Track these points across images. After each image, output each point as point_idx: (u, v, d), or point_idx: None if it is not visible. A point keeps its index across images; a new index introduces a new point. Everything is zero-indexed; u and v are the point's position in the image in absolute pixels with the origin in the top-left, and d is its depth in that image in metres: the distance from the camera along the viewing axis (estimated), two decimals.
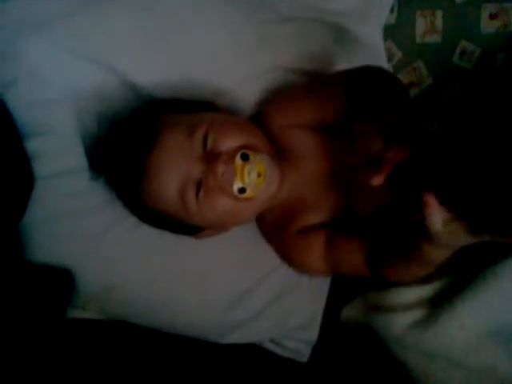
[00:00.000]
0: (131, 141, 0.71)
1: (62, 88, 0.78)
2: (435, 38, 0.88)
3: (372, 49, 0.85)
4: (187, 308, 0.84)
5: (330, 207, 0.75)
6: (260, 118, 0.78)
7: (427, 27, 0.88)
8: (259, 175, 0.68)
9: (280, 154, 0.74)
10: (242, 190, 0.67)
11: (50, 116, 0.79)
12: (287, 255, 0.79)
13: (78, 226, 0.80)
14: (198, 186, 0.68)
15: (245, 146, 0.68)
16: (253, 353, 0.87)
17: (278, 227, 0.77)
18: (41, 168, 0.79)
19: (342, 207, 0.74)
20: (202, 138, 0.68)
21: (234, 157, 0.67)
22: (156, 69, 0.78)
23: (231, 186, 0.67)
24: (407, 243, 0.63)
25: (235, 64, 0.80)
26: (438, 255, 0.61)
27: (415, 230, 0.59)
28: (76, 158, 0.78)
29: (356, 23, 0.83)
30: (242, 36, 0.79)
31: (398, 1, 0.88)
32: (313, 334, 0.89)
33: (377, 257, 0.71)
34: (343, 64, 0.83)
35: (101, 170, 0.77)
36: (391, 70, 0.88)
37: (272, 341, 0.89)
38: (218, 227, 0.77)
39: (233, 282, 0.85)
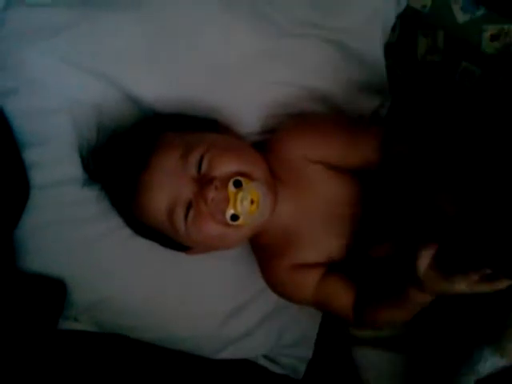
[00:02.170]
0: (127, 156, 0.71)
1: (62, 98, 0.78)
2: (436, 57, 0.89)
3: (373, 66, 0.84)
4: (181, 323, 0.84)
5: (328, 249, 0.73)
6: (272, 140, 0.76)
7: (428, 46, 0.88)
8: (252, 202, 0.66)
9: (284, 182, 0.72)
10: (235, 217, 0.66)
11: (48, 126, 0.79)
12: (276, 286, 0.76)
13: (72, 235, 0.80)
14: (188, 206, 0.67)
15: (239, 173, 0.67)
16: (247, 369, 0.87)
17: (270, 255, 0.75)
18: (37, 177, 0.80)
19: (342, 252, 0.73)
20: (198, 160, 0.67)
21: (227, 183, 0.65)
22: (157, 82, 0.78)
23: (223, 212, 0.65)
24: (393, 286, 0.65)
25: (237, 78, 0.80)
26: (421, 299, 0.63)
27: (403, 273, 0.61)
28: (72, 168, 0.78)
29: (358, 40, 0.83)
30: (245, 50, 0.79)
31: (400, 19, 0.88)
32: (307, 351, 0.89)
33: (362, 301, 0.70)
34: (345, 80, 0.83)
35: (96, 178, 0.76)
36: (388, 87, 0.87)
37: (266, 357, 0.89)
38: (205, 249, 0.76)
39: (227, 298, 0.85)
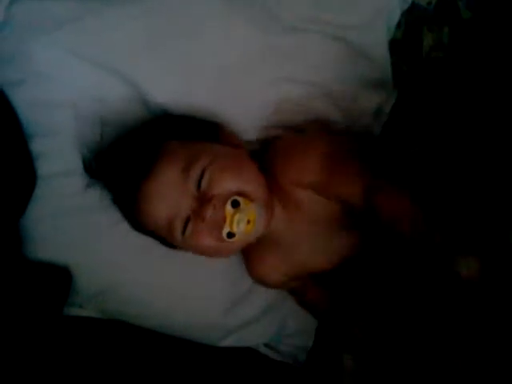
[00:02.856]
0: (130, 162, 0.72)
1: (67, 91, 0.79)
2: (441, 54, 0.89)
3: (378, 62, 0.85)
4: (183, 311, 0.85)
5: (309, 265, 0.77)
6: (267, 158, 0.76)
7: (433, 43, 0.89)
8: (248, 222, 0.68)
9: (276, 198, 0.74)
10: (230, 235, 0.68)
11: (53, 118, 0.80)
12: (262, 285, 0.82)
13: (78, 224, 0.82)
14: (187, 221, 0.69)
15: (238, 193, 0.68)
16: (248, 357, 0.88)
17: (258, 262, 0.80)
18: (43, 167, 0.80)
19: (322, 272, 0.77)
20: (198, 175, 0.68)
21: (225, 202, 0.67)
22: (160, 76, 0.79)
23: (219, 230, 0.67)
24: None
25: (239, 75, 0.80)
26: None
27: None
28: (78, 159, 0.79)
29: (362, 37, 0.83)
30: (247, 45, 0.79)
31: (405, 16, 0.88)
32: (308, 340, 0.91)
33: None
34: (349, 77, 0.84)
35: (98, 178, 0.78)
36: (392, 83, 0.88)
37: (267, 345, 0.91)
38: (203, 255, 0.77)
39: (230, 286, 0.86)
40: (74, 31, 0.76)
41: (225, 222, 0.67)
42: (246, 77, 0.80)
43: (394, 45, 0.87)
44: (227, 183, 0.68)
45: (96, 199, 0.80)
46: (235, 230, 0.67)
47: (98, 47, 0.77)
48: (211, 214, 0.66)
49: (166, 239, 0.74)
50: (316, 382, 0.87)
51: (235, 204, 0.67)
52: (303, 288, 0.82)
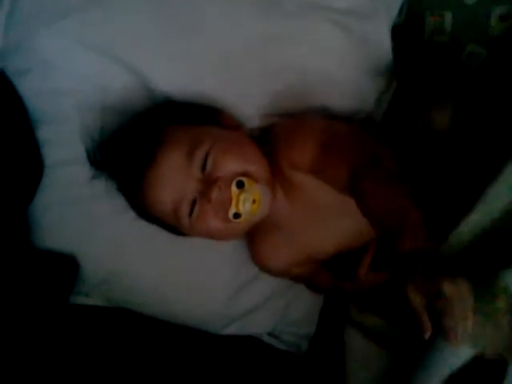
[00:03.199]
0: (133, 150, 0.73)
1: (73, 80, 0.80)
2: (444, 39, 0.88)
3: (379, 49, 0.84)
4: (188, 298, 0.86)
5: (313, 248, 0.78)
6: (268, 142, 0.77)
7: (435, 27, 0.88)
8: (254, 201, 0.69)
9: (278, 180, 0.75)
10: (237, 216, 0.69)
11: (59, 106, 0.81)
12: (266, 271, 0.83)
13: (84, 213, 0.83)
14: (193, 204, 0.70)
15: (242, 174, 0.69)
16: (251, 344, 0.89)
17: (262, 247, 0.80)
18: (49, 155, 0.82)
19: (327, 254, 0.78)
20: (202, 159, 0.69)
21: (230, 183, 0.68)
22: (165, 65, 0.79)
23: (226, 211, 0.68)
24: None
25: (242, 62, 0.80)
26: None
27: None
28: (79, 148, 0.80)
29: (364, 22, 0.82)
30: (250, 31, 0.80)
31: (408, 1, 0.87)
32: (310, 328, 0.90)
33: None
34: (350, 63, 0.83)
35: (102, 169, 0.78)
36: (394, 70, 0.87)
37: (270, 334, 0.91)
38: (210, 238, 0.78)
39: (233, 274, 0.86)
40: (79, 21, 0.77)
41: (230, 202, 0.68)
42: (247, 63, 0.81)
43: (395, 31, 0.87)
44: (231, 164, 0.69)
45: (102, 188, 0.81)
46: (241, 209, 0.68)
47: (102, 37, 0.78)
48: (217, 195, 0.67)
49: (172, 225, 0.74)
50: (318, 371, 0.87)
51: (240, 184, 0.68)
52: (309, 275, 0.82)
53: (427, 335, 0.53)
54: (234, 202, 0.68)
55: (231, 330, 0.88)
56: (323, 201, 0.75)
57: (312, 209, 0.75)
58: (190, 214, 0.70)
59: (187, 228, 0.72)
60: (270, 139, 0.78)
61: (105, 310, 0.87)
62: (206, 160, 0.69)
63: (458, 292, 0.51)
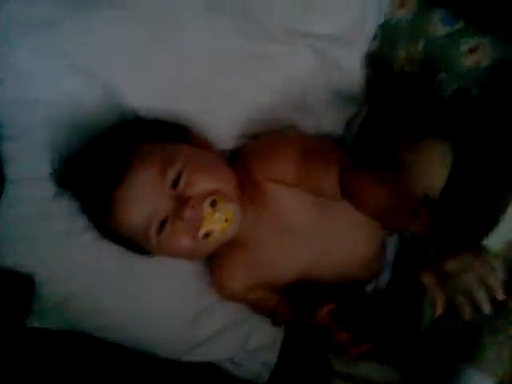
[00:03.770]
0: (102, 167, 0.71)
1: (45, 92, 0.78)
2: (415, 68, 0.89)
3: (351, 74, 0.85)
4: (147, 324, 0.84)
5: (283, 272, 0.77)
6: (239, 157, 0.77)
7: (408, 57, 0.89)
8: (226, 220, 0.69)
9: (247, 197, 0.74)
10: (207, 235, 0.69)
11: (27, 119, 0.80)
12: (224, 297, 0.82)
13: (43, 232, 0.81)
14: (163, 222, 0.69)
15: (215, 192, 0.68)
16: (211, 371, 0.87)
17: (223, 268, 0.79)
18: (12, 171, 0.80)
19: (297, 275, 0.76)
20: (175, 177, 0.68)
21: (202, 202, 0.67)
22: (140, 81, 0.79)
23: (196, 230, 0.68)
24: None
25: (220, 79, 0.80)
26: None
27: None
28: (45, 163, 0.78)
29: (338, 48, 0.83)
30: (230, 51, 0.80)
31: (381, 30, 0.88)
32: (272, 357, 0.89)
33: None
34: (322, 87, 0.84)
35: (67, 186, 0.76)
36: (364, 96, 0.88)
37: (231, 361, 0.89)
38: (175, 257, 0.77)
39: (194, 299, 0.85)
40: (54, 33, 0.76)
41: (202, 221, 0.67)
42: (222, 84, 0.80)
43: (369, 57, 0.87)
44: (204, 184, 0.69)
45: (63, 207, 0.79)
46: (213, 229, 0.68)
47: (76, 50, 0.77)
48: (190, 214, 0.66)
49: (138, 244, 0.73)
50: None
51: (213, 203, 0.68)
52: (267, 302, 0.80)
53: (438, 313, 0.54)
54: (205, 221, 0.68)
55: (191, 356, 0.86)
56: (295, 220, 0.74)
57: (279, 228, 0.74)
58: (160, 232, 0.69)
59: (156, 247, 0.71)
60: (241, 157, 0.77)
61: (60, 333, 0.84)
62: (178, 178, 0.68)
63: (460, 266, 0.52)
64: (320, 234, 0.74)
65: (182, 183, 0.68)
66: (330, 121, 0.85)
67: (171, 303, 0.84)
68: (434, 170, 0.71)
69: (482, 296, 0.53)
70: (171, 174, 0.68)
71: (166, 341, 0.86)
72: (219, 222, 0.68)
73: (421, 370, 0.68)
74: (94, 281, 0.82)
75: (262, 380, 0.88)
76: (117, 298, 0.83)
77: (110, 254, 0.81)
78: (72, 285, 0.82)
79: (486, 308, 0.53)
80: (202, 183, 0.69)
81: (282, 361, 0.87)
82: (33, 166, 0.80)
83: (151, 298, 0.84)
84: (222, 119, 0.81)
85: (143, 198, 0.68)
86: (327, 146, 0.77)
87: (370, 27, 0.85)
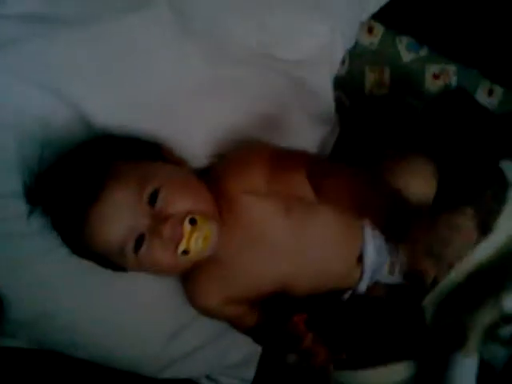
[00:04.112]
0: (75, 185, 0.70)
1: (9, 112, 0.77)
2: (383, 91, 0.93)
3: (321, 97, 0.88)
4: (122, 341, 0.83)
5: (258, 285, 0.76)
6: (212, 174, 0.78)
7: (376, 81, 0.93)
8: (205, 239, 0.69)
9: (222, 211, 0.74)
10: (185, 252, 0.68)
11: None
12: (201, 311, 0.80)
13: (12, 249, 0.79)
14: (138, 239, 0.68)
15: (193, 211, 0.69)
16: None
17: (197, 283, 0.78)
18: None
19: (274, 287, 0.77)
20: (152, 195, 0.68)
21: (182, 220, 0.67)
22: (107, 101, 0.78)
23: (175, 247, 0.67)
24: None
25: (187, 104, 0.81)
26: None
27: None
28: (15, 182, 0.77)
29: (307, 72, 0.85)
30: (197, 77, 0.81)
31: (349, 55, 0.92)
32: (249, 372, 0.89)
33: None
34: (293, 110, 0.86)
35: (38, 203, 0.75)
36: (338, 119, 0.91)
37: (208, 377, 0.89)
38: (152, 274, 0.77)
39: (170, 316, 0.84)
40: (18, 52, 0.75)
41: (181, 239, 0.67)
42: (193, 105, 0.81)
43: (338, 80, 0.91)
44: (183, 202, 0.69)
45: (32, 225, 0.77)
46: (192, 246, 0.68)
47: (42, 69, 0.76)
48: (169, 232, 0.66)
49: (113, 260, 0.72)
50: None
51: (193, 221, 0.68)
52: (245, 316, 0.79)
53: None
54: (185, 239, 0.67)
55: (168, 373, 0.85)
56: (268, 232, 0.74)
57: (252, 240, 0.74)
58: (136, 249, 0.68)
59: (133, 263, 0.70)
60: (213, 173, 0.78)
61: (32, 352, 0.82)
62: (156, 195, 0.68)
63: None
64: (295, 246, 0.75)
65: (160, 201, 0.68)
66: (302, 140, 0.86)
67: (146, 320, 0.83)
68: (420, 181, 0.74)
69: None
70: (148, 192, 0.68)
71: (142, 358, 0.84)
72: (198, 240, 0.68)
73: (424, 362, 0.73)
74: (65, 299, 0.80)
75: None
76: (89, 315, 0.81)
77: (81, 271, 0.79)
78: (42, 303, 0.80)
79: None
80: (182, 202, 0.69)
81: (259, 376, 0.88)
82: (1, 185, 0.78)
83: (125, 315, 0.83)
84: (193, 140, 0.82)
85: (119, 216, 0.68)
86: (296, 151, 0.79)
87: (338, 53, 0.89)
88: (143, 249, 0.68)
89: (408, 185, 0.72)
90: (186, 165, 0.79)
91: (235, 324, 0.80)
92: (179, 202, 0.69)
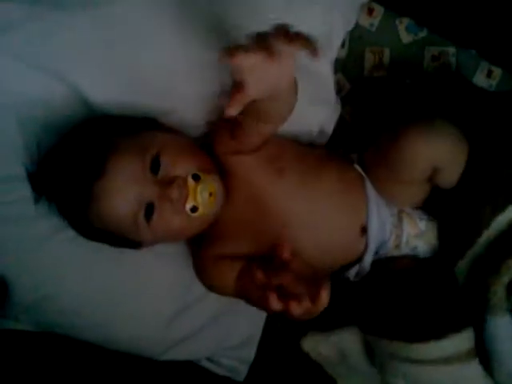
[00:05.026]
0: (79, 163, 0.70)
1: (10, 94, 0.77)
2: (382, 74, 0.93)
3: (321, 80, 0.87)
4: (124, 323, 0.84)
5: (252, 242, 0.76)
6: (208, 140, 0.80)
7: (375, 63, 0.93)
8: (210, 194, 0.70)
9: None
10: (194, 209, 0.70)
11: None
12: (200, 276, 0.79)
13: (15, 233, 0.79)
14: (149, 207, 0.69)
15: (195, 169, 0.70)
16: (189, 369, 0.87)
17: (199, 246, 0.79)
18: None
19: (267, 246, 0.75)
20: (151, 161, 0.69)
21: (187, 180, 0.69)
22: (107, 83, 0.78)
23: (184, 205, 0.69)
24: None
25: (187, 83, 0.81)
26: None
27: None
28: (17, 165, 0.77)
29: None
30: (195, 58, 0.80)
31: (349, 36, 0.92)
32: (250, 353, 0.90)
33: None
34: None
35: (43, 185, 0.75)
36: (339, 100, 0.91)
37: (209, 358, 0.90)
38: (164, 241, 0.78)
39: (171, 299, 0.85)
40: (18, 34, 0.75)
41: (188, 196, 0.69)
42: (193, 83, 0.81)
43: (338, 63, 0.91)
44: (185, 162, 0.71)
45: (37, 207, 0.77)
46: (199, 200, 0.69)
47: (43, 51, 0.76)
48: (177, 194, 0.68)
49: (126, 235, 0.72)
50: None
51: (196, 177, 0.70)
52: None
53: None
54: (191, 195, 0.69)
55: (169, 355, 0.86)
56: (266, 191, 0.76)
57: (250, 199, 0.76)
58: (148, 218, 0.69)
59: (146, 234, 0.71)
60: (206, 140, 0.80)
61: (36, 335, 0.82)
62: (156, 163, 0.69)
63: None
64: (294, 208, 0.76)
65: (162, 166, 0.70)
66: (303, 122, 0.86)
67: (147, 303, 0.84)
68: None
69: None
70: (150, 160, 0.69)
71: (143, 341, 0.85)
72: (205, 194, 0.70)
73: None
74: (66, 282, 0.81)
75: (241, 376, 0.90)
76: (92, 298, 0.82)
77: (81, 254, 0.80)
78: (46, 286, 0.80)
79: None
80: (183, 162, 0.71)
81: (260, 356, 0.89)
82: (2, 168, 0.78)
83: (127, 297, 0.83)
84: (190, 113, 0.82)
85: (126, 186, 0.68)
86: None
87: (338, 35, 0.89)
88: (155, 216, 0.69)
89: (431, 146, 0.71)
90: (183, 133, 0.80)
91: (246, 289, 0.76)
92: (180, 163, 0.71)
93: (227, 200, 0.76)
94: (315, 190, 0.77)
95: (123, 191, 0.69)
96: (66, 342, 0.83)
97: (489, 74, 0.90)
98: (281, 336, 0.89)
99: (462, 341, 0.73)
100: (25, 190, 0.77)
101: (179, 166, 0.70)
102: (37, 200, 0.77)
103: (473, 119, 0.80)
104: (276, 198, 0.76)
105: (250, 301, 0.70)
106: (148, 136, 0.73)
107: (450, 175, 0.75)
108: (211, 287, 0.79)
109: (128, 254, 0.79)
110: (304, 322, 0.63)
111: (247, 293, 0.70)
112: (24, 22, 0.75)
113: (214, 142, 0.79)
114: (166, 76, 0.80)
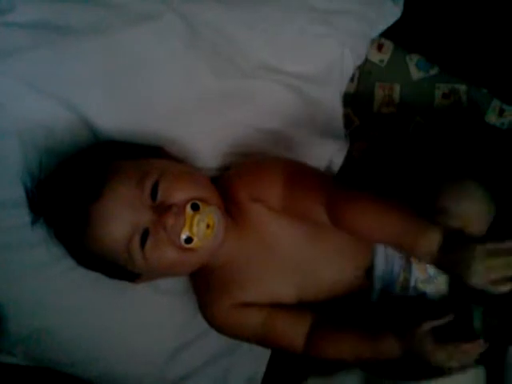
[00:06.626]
0: (77, 185, 0.69)
1: (15, 120, 0.76)
2: (391, 110, 0.92)
3: (330, 114, 0.87)
4: (121, 360, 0.82)
5: (272, 292, 0.74)
6: (222, 178, 0.77)
7: (384, 99, 0.92)
8: (208, 226, 0.67)
9: (233, 216, 0.73)
10: (189, 240, 0.67)
11: (2, 146, 0.77)
12: (217, 326, 0.76)
13: (12, 262, 0.78)
14: (144, 234, 0.67)
15: (196, 198, 0.68)
16: None
17: (211, 294, 0.75)
18: None
19: (291, 298, 0.75)
20: (152, 188, 0.67)
21: (184, 209, 0.66)
22: (113, 109, 0.78)
23: (179, 235, 0.66)
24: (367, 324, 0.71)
25: (195, 116, 0.80)
26: (391, 350, 0.68)
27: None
28: (17, 191, 0.76)
29: (315, 88, 0.85)
30: (205, 89, 0.80)
31: (359, 71, 0.92)
32: None
33: (317, 330, 0.73)
34: (301, 125, 0.85)
35: (40, 210, 0.74)
36: (348, 136, 0.90)
37: None
38: (157, 276, 0.75)
39: (171, 336, 0.83)
40: (27, 60, 0.75)
41: (184, 226, 0.65)
42: (202, 117, 0.81)
43: (347, 97, 0.90)
44: (184, 191, 0.68)
45: (32, 236, 0.76)
46: (194, 231, 0.66)
47: (51, 77, 0.76)
48: (173, 221, 0.65)
49: (121, 265, 0.70)
50: None
51: (195, 207, 0.67)
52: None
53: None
54: (187, 224, 0.66)
55: None
56: (281, 245, 0.73)
57: (262, 247, 0.73)
58: (143, 245, 0.67)
59: (140, 263, 0.68)
60: (224, 179, 0.76)
61: (29, 369, 0.80)
62: (156, 189, 0.67)
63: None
64: (303, 260, 0.73)
65: (160, 192, 0.67)
66: (311, 156, 0.84)
67: (148, 339, 0.82)
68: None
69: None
70: (148, 185, 0.67)
71: (141, 379, 0.83)
72: (202, 225, 0.66)
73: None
74: (64, 315, 0.79)
75: None
76: (89, 333, 0.80)
77: (81, 286, 0.78)
78: (40, 319, 0.79)
79: None
80: (182, 191, 0.68)
81: None
82: (5, 193, 0.77)
83: (126, 333, 0.81)
84: (200, 153, 0.81)
85: (122, 212, 0.66)
86: (314, 170, 0.78)
87: (348, 69, 0.88)
88: (148, 243, 0.66)
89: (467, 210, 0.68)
90: (188, 163, 0.78)
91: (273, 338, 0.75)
92: (179, 190, 0.68)
93: (239, 243, 0.73)
94: (326, 242, 0.74)
95: (118, 217, 0.66)
96: (60, 379, 0.80)
97: (500, 113, 0.89)
98: (282, 380, 0.85)
99: (466, 379, 0.70)
100: (23, 217, 0.76)
101: (178, 193, 0.67)
102: (33, 222, 0.75)
103: (486, 158, 0.78)
104: (290, 251, 0.73)
105: (275, 341, 0.74)
106: (150, 161, 0.71)
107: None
108: (231, 336, 0.77)
109: (129, 289, 0.77)
110: (304, 366, 0.62)
111: (278, 337, 0.73)
112: (31, 47, 0.75)
113: (238, 182, 0.74)
114: (174, 105, 0.79)
